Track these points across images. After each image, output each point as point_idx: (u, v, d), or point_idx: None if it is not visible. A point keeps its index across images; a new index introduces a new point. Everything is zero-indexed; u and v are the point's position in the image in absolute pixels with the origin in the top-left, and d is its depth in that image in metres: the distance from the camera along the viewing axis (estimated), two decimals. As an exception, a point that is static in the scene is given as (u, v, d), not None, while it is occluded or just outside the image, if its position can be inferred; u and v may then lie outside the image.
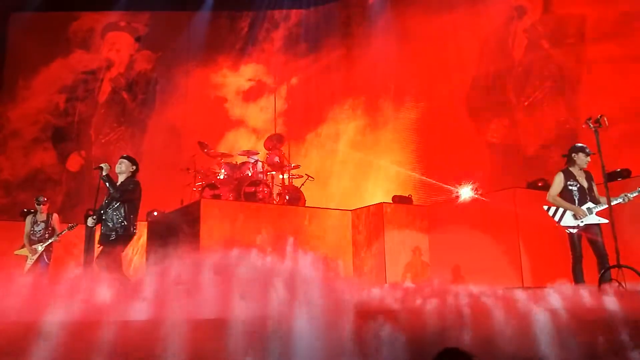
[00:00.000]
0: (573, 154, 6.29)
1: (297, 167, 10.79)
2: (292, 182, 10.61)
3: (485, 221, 8.22)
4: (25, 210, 9.45)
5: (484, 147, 11.51)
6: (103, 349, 2.32)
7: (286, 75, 13.91)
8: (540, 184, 8.36)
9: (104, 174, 6.31)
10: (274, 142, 10.58)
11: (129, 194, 6.33)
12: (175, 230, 8.83)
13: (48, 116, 13.79)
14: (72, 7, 14.00)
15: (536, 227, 7.64)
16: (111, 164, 6.59)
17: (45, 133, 13.72)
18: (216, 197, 9.55)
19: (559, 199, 6.22)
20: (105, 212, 6.30)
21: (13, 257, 8.14)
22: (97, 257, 6.16)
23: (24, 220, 8.53)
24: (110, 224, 6.21)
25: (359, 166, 12.65)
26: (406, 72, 12.47)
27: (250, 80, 13.96)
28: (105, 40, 14.50)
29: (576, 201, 6.13)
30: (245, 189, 9.58)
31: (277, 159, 10.37)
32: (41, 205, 8.36)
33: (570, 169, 6.31)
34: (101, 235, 6.26)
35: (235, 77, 13.99)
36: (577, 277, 5.92)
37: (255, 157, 10.26)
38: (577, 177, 6.23)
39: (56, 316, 2.54)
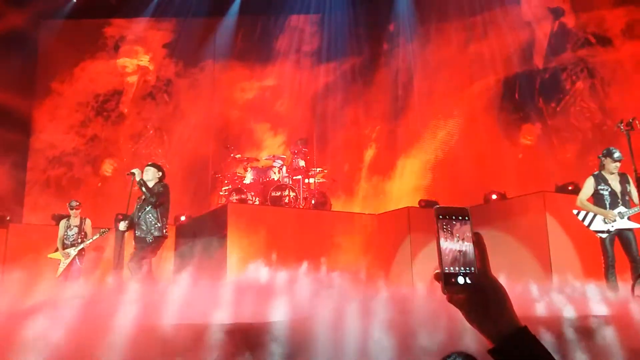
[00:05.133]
0: (602, 158, 6.21)
1: (322, 171, 10.81)
2: (317, 186, 10.63)
3: (514, 225, 8.12)
4: (58, 214, 9.64)
5: (515, 151, 11.35)
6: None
7: (312, 80, 13.95)
8: (570, 188, 8.23)
9: (137, 179, 6.46)
10: (300, 146, 10.62)
11: (160, 198, 6.48)
12: (203, 234, 8.93)
13: (79, 122, 14.05)
14: (101, 15, 14.28)
15: (566, 231, 7.54)
16: (141, 169, 6.74)
17: (76, 139, 13.97)
18: (242, 201, 9.63)
19: (587, 203, 6.13)
20: (138, 216, 6.44)
21: (46, 260, 8.32)
22: (130, 259, 6.30)
23: (58, 224, 8.71)
24: (144, 227, 6.36)
25: (385, 170, 12.61)
26: (434, 75, 12.39)
27: (276, 84, 14.04)
28: (134, 47, 14.74)
29: (607, 205, 6.03)
30: (271, 193, 9.65)
31: (302, 162, 10.40)
32: (74, 210, 8.50)
33: (603, 172, 6.22)
34: (136, 238, 6.40)
35: (262, 82, 14.09)
36: (610, 282, 5.82)
37: (281, 162, 10.32)
38: (610, 181, 6.13)
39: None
